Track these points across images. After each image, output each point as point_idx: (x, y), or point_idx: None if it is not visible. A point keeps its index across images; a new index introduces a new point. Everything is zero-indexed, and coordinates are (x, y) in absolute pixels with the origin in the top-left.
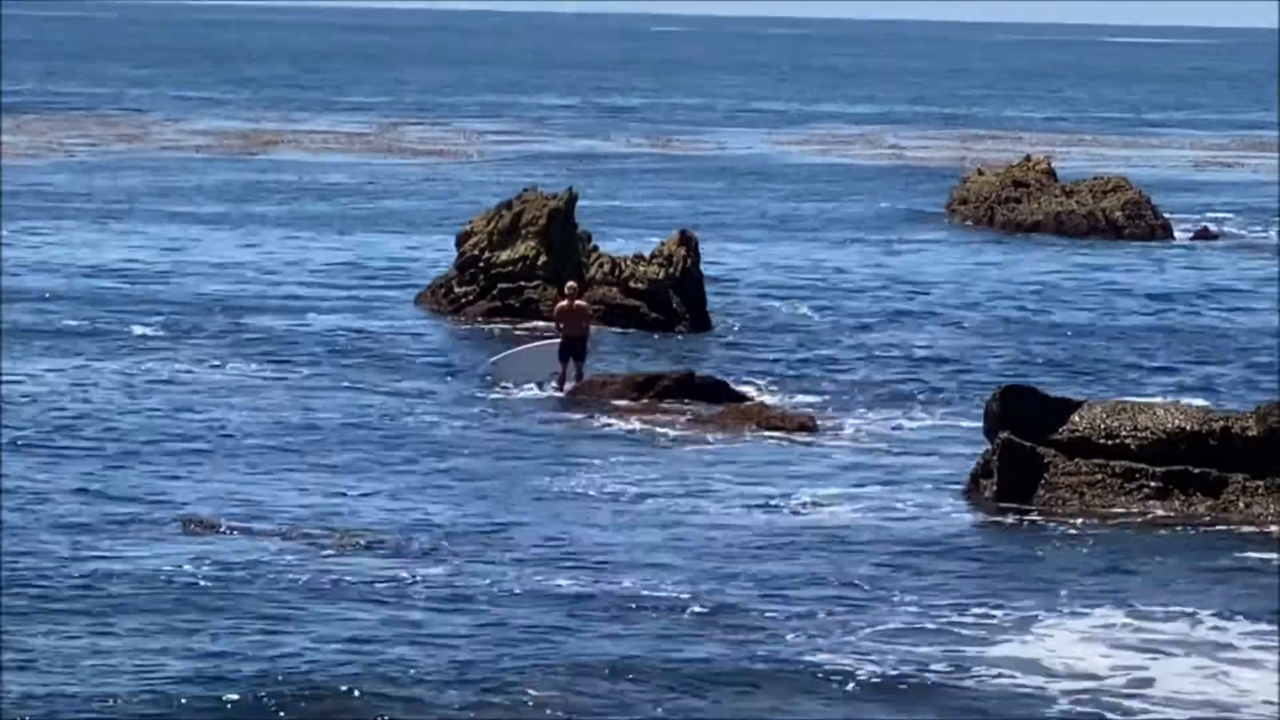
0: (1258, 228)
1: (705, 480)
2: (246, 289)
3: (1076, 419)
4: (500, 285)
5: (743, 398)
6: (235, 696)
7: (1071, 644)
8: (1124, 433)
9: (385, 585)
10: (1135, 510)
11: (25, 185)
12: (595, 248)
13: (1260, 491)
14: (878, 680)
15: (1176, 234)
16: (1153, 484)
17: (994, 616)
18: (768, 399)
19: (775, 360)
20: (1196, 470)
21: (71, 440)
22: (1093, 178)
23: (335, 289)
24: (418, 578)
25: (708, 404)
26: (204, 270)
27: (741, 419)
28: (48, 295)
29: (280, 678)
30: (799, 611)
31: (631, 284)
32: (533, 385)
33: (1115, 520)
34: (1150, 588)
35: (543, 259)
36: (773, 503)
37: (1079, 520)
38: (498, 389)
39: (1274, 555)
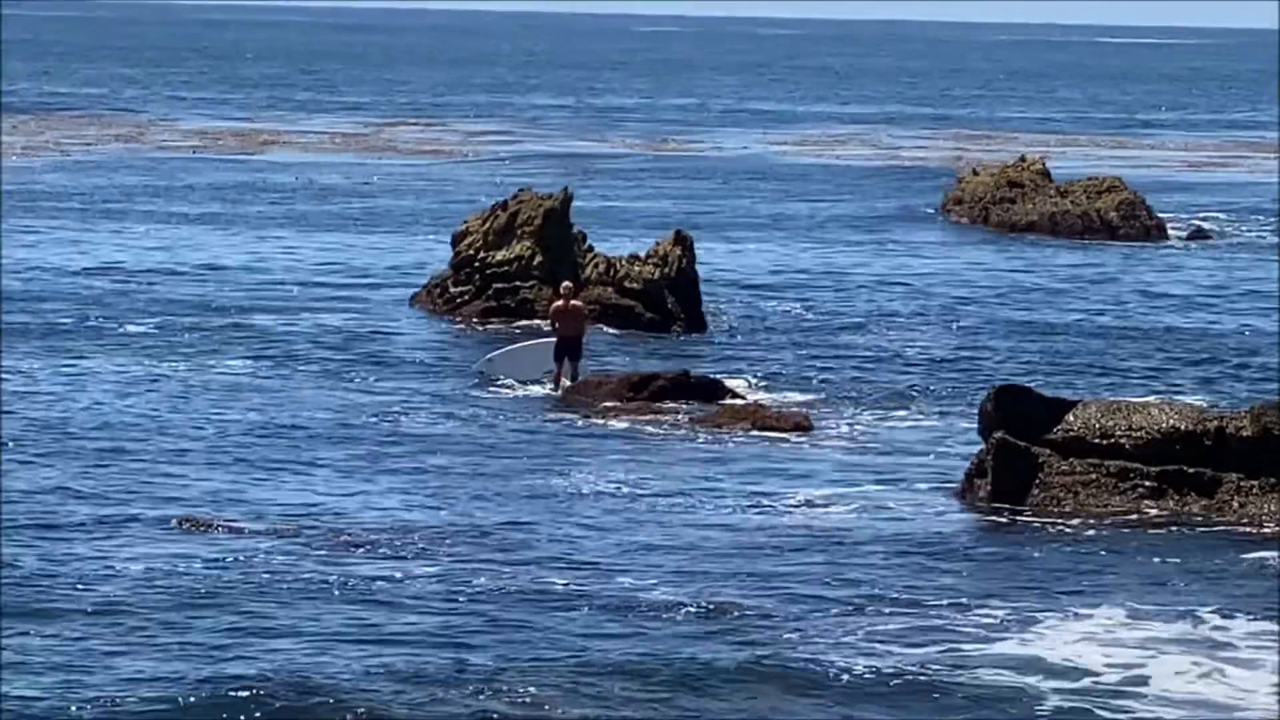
0: (1252, 228)
1: (700, 480)
2: (241, 288)
3: (1071, 419)
4: (495, 285)
5: (738, 398)
6: (231, 696)
7: (1067, 643)
8: (1118, 432)
9: (380, 584)
10: (1130, 510)
11: (20, 185)
12: (590, 248)
13: (1255, 491)
14: (875, 679)
15: (1170, 234)
16: (1147, 484)
17: (990, 616)
18: (763, 399)
19: (770, 360)
20: (1191, 470)
21: (65, 439)
22: (1087, 178)
23: (330, 288)
24: (413, 577)
25: (703, 404)
26: (198, 269)
27: (736, 419)
28: (42, 294)
29: (275, 677)
30: (795, 611)
31: (627, 284)
32: (528, 384)
33: (1110, 520)
34: (1146, 587)
35: (538, 259)
36: (768, 503)
37: (1074, 520)
38: (492, 388)
39: (1269, 554)
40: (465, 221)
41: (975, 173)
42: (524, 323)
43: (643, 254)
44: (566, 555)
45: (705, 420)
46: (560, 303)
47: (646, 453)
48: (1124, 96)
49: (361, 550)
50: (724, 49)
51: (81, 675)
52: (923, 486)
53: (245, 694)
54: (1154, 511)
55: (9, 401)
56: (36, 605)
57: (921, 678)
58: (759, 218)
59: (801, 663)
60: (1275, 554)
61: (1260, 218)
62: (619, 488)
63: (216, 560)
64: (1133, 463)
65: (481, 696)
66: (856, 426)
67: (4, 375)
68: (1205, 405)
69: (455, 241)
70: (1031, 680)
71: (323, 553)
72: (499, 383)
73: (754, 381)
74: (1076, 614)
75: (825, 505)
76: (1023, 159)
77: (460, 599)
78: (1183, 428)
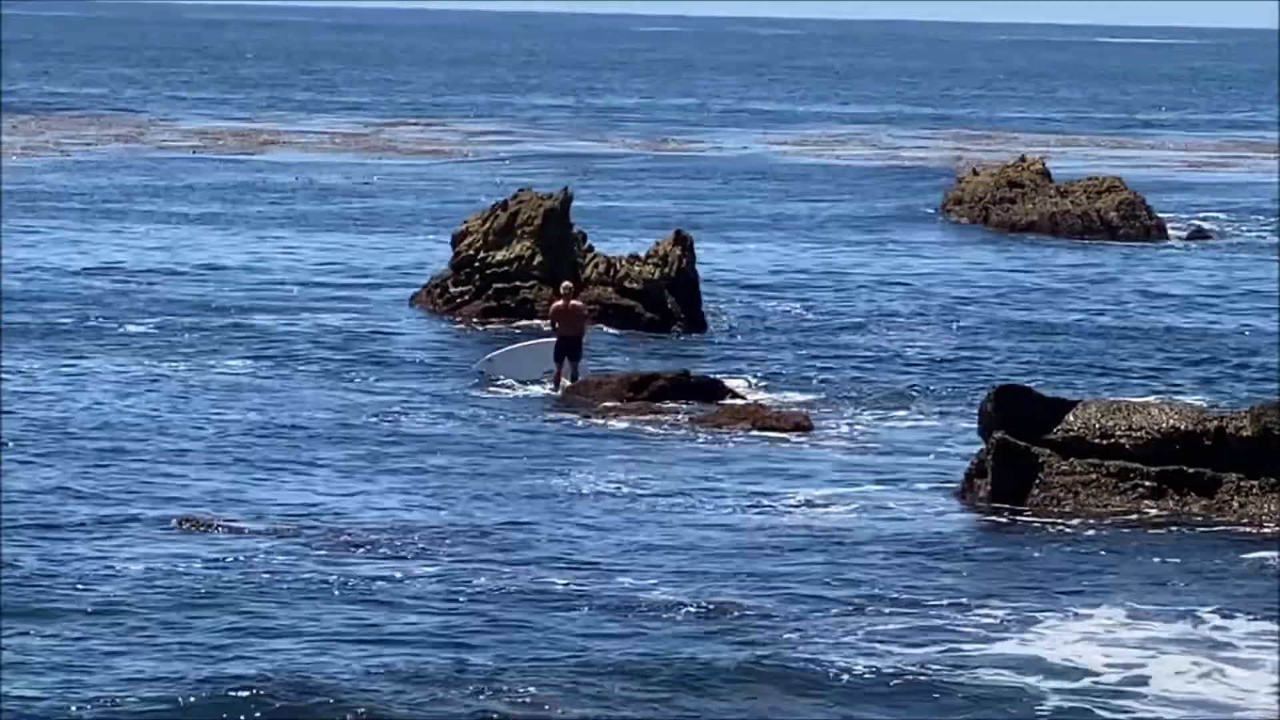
0: (1251, 228)
1: (700, 480)
2: (241, 288)
3: (1071, 419)
4: (495, 285)
5: (738, 398)
6: (231, 696)
7: (1067, 643)
8: (1118, 432)
9: (380, 584)
10: (1130, 510)
11: (20, 185)
12: (590, 248)
13: (1255, 491)
14: (875, 679)
15: (1170, 234)
16: (1147, 484)
17: (990, 616)
18: (763, 399)
19: (770, 360)
20: (1191, 470)
21: (65, 439)
22: (1087, 178)
23: (330, 288)
24: (413, 577)
25: (703, 404)
26: (198, 269)
27: (736, 419)
28: (42, 294)
29: (275, 677)
30: (795, 611)
31: (627, 284)
32: (528, 384)
33: (1110, 520)
34: (1146, 587)
35: (538, 259)
36: (768, 503)
37: (1074, 520)
38: (492, 388)
39: (1269, 554)
40: (465, 221)
41: (975, 173)
42: (524, 323)
43: (643, 254)
44: (566, 555)
45: (705, 420)
46: (560, 303)
47: (646, 453)
48: (1124, 96)
49: (361, 550)
50: (724, 49)
51: (81, 675)
52: (923, 486)
53: (245, 694)
54: (1154, 511)
55: (9, 401)
56: (36, 605)
57: (921, 678)
58: (759, 218)
59: (801, 663)
60: (1275, 554)
61: (1260, 218)
62: (619, 488)
63: (216, 560)
64: (1133, 463)
65: (481, 696)
66: (856, 426)
67: (4, 375)
68: (1205, 405)
69: (455, 241)
70: (1031, 680)
71: (323, 553)
72: (499, 383)
73: (754, 381)
74: (1076, 614)
75: (825, 505)
76: (1023, 159)
77: (460, 599)
78: (1183, 428)
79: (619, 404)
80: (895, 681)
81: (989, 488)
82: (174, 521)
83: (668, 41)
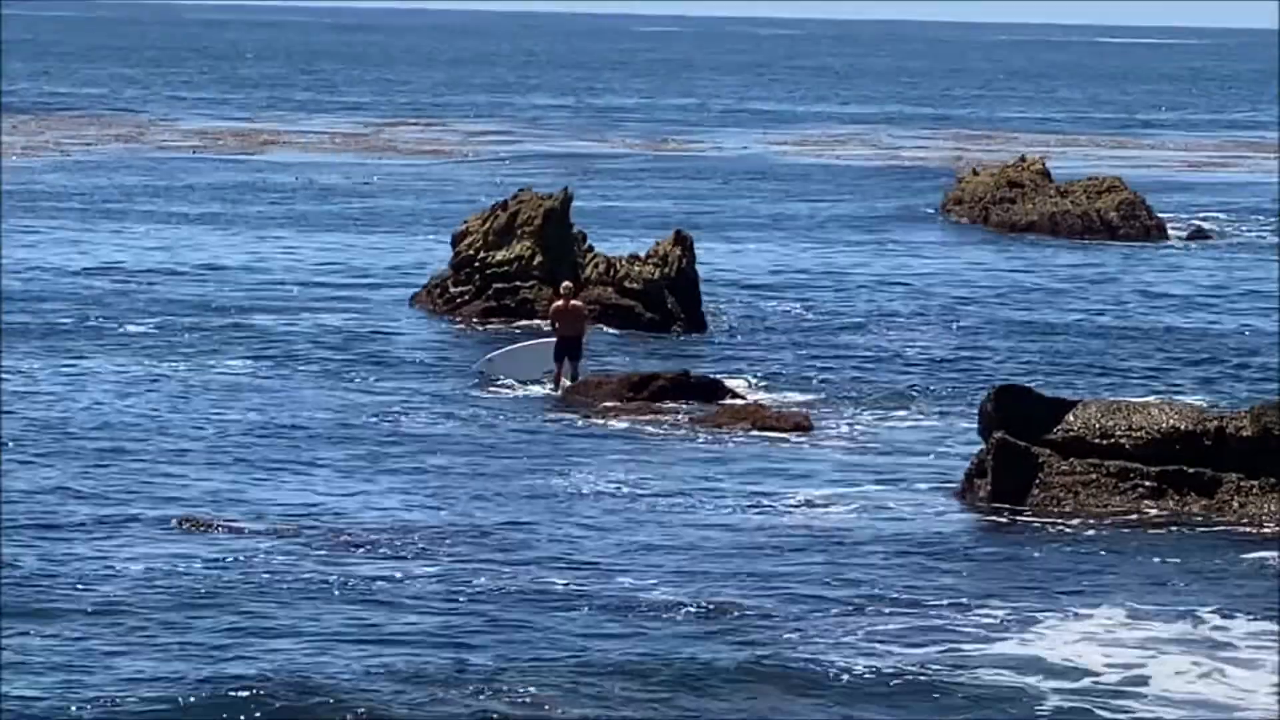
0: (1251, 228)
1: (700, 480)
2: (241, 288)
3: (1071, 419)
4: (495, 285)
5: (738, 398)
6: (231, 696)
7: (1067, 643)
8: (1118, 432)
9: (380, 584)
10: (1130, 510)
11: (20, 185)
12: (590, 248)
13: (1255, 491)
14: (875, 679)
15: (1170, 234)
16: (1147, 484)
17: (990, 616)
18: (763, 399)
19: (770, 360)
20: (1191, 470)
21: (65, 439)
22: (1087, 178)
23: (330, 288)
24: (413, 577)
25: (703, 404)
26: (198, 269)
27: (736, 419)
28: (42, 294)
29: (275, 677)
30: (795, 611)
31: (627, 284)
32: (528, 384)
33: (1110, 520)
34: (1146, 587)
35: (538, 259)
36: (768, 503)
37: (1074, 520)
38: (492, 388)
39: (1269, 554)
40: (465, 221)
41: (975, 173)
42: (524, 323)
43: (643, 254)
44: (566, 555)
45: (705, 420)
46: (560, 303)
47: (646, 453)
48: (1124, 96)
49: (361, 550)
50: (724, 49)
51: (81, 675)
52: (923, 486)
53: (245, 694)
54: (1154, 511)
55: (9, 401)
56: (36, 605)
57: (921, 678)
58: (759, 218)
59: (801, 663)
60: (1275, 554)
61: (1260, 218)
62: (619, 488)
63: (216, 560)
64: (1133, 463)
65: (481, 696)
66: (856, 426)
67: (4, 375)
68: (1205, 405)
69: (455, 241)
70: (1031, 680)
71: (323, 553)
72: (499, 383)
73: (754, 381)
74: (1076, 614)
75: (825, 505)
76: (1023, 159)
77: (460, 599)
78: (1183, 428)
79: (619, 404)
80: (895, 681)
81: (989, 488)
82: (174, 521)
83: (668, 41)
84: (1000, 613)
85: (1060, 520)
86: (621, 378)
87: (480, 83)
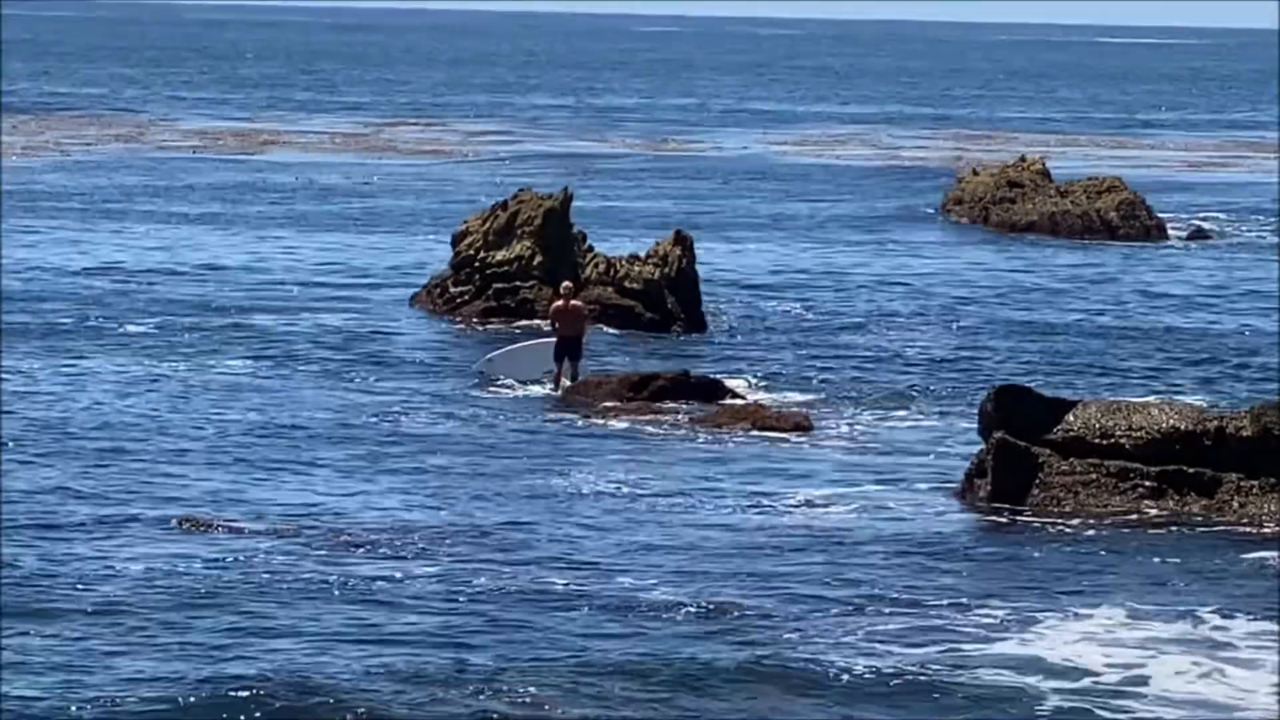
0: (1251, 228)
1: (700, 480)
2: (241, 288)
3: (1071, 419)
4: (495, 285)
5: (738, 398)
6: (231, 696)
7: (1067, 643)
8: (1118, 432)
9: (380, 584)
10: (1130, 510)
11: (20, 185)
12: (590, 248)
13: (1254, 491)
14: (875, 679)
15: (1170, 234)
16: (1147, 484)
17: (990, 616)
18: (763, 399)
19: (770, 360)
20: (1191, 470)
21: (65, 439)
22: (1087, 178)
23: (330, 288)
24: (413, 577)
25: (703, 404)
26: (198, 269)
27: (736, 419)
28: (42, 294)
29: (275, 677)
30: (796, 611)
31: (627, 284)
32: (528, 384)
33: (1110, 520)
34: (1146, 587)
35: (538, 259)
36: (768, 503)
37: (1074, 520)
38: (492, 388)
39: (1269, 554)
40: (465, 221)
41: (975, 173)
42: (524, 323)
43: (643, 254)
44: (566, 555)
45: (705, 420)
46: (560, 303)
47: (646, 453)
48: (1124, 96)
49: (361, 550)
50: (724, 49)
51: (81, 675)
52: (923, 486)
53: (245, 694)
54: (1154, 511)
55: (9, 401)
56: (36, 605)
57: (921, 678)
58: (759, 218)
59: (801, 663)
60: (1275, 554)
61: (1260, 218)
62: (619, 488)
63: (216, 560)
64: (1133, 463)
65: (481, 696)
66: (856, 426)
67: (4, 375)
68: (1205, 405)
69: (455, 241)
70: (1031, 680)
71: (323, 553)
72: (499, 383)
73: (754, 381)
74: (1076, 614)
75: (825, 505)
76: (1023, 159)
77: (460, 599)
78: (1183, 428)
79: (619, 404)
80: (895, 681)
81: (989, 488)
82: (174, 521)
83: (668, 41)
84: (1000, 613)
85: (1060, 520)
86: (621, 378)
87: (480, 83)
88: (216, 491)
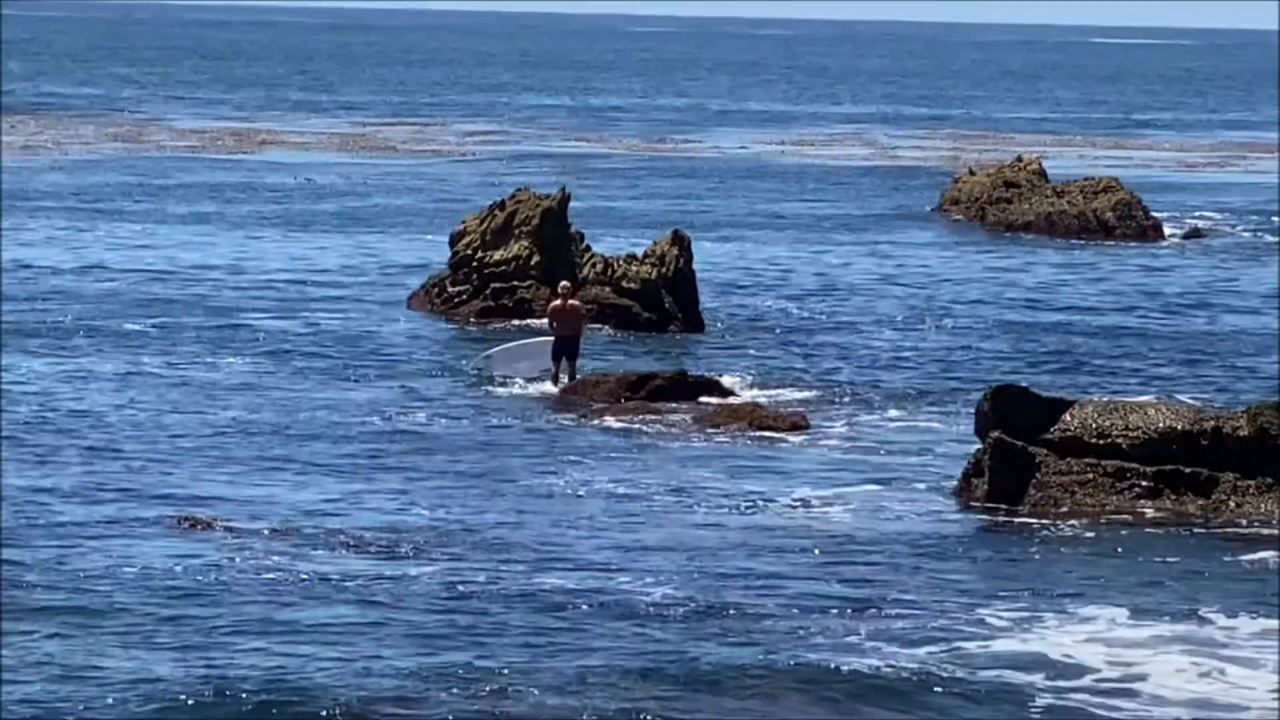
0: (1248, 228)
1: (698, 480)
2: (240, 289)
3: (1068, 418)
4: (493, 285)
5: (735, 397)
6: (229, 697)
7: (1065, 643)
8: (1115, 432)
9: (379, 585)
10: (1127, 510)
11: (19, 185)
12: (588, 247)
13: (1251, 491)
14: (875, 679)
15: (1166, 234)
16: (1144, 483)
17: (989, 616)
18: (760, 398)
19: (767, 360)
20: (1188, 470)
21: (64, 439)
22: (1084, 178)
23: (328, 288)
24: (413, 577)
25: (700, 403)
26: (196, 270)
27: (733, 418)
28: (41, 294)
29: (275, 678)
30: (793, 611)
31: (624, 284)
32: (526, 383)
33: (1107, 520)
34: (1145, 587)
35: (536, 259)
36: (766, 503)
37: (1071, 520)
38: (491, 388)
39: (1267, 554)
40: (463, 221)
41: (972, 173)
42: (522, 322)
43: (640, 254)
44: (564, 555)
45: (703, 420)
46: (558, 302)
47: (645, 452)
48: (1120, 97)
49: (361, 550)
50: (720, 49)
51: (81, 675)
52: (920, 486)
53: (244, 694)
54: (1151, 511)
55: (6, 400)
56: (36, 605)
57: (920, 677)
58: (756, 217)
59: (801, 663)
60: (1273, 554)
61: (1256, 218)
62: (618, 488)
63: (216, 560)
64: (1129, 462)
65: (482, 697)
66: (854, 426)
67: (4, 375)
68: (1202, 405)
69: (453, 241)
70: (1031, 679)
71: (323, 553)
72: (498, 382)
73: (751, 381)
74: (1076, 614)
75: (824, 505)
76: (1019, 159)
77: (460, 599)
78: (1179, 427)
79: (617, 403)
80: (895, 681)
81: (986, 488)
82: (174, 521)
83: (664, 41)
84: (999, 612)
85: (1057, 520)
86: (619, 377)
87: (477, 83)
88: (215, 491)
